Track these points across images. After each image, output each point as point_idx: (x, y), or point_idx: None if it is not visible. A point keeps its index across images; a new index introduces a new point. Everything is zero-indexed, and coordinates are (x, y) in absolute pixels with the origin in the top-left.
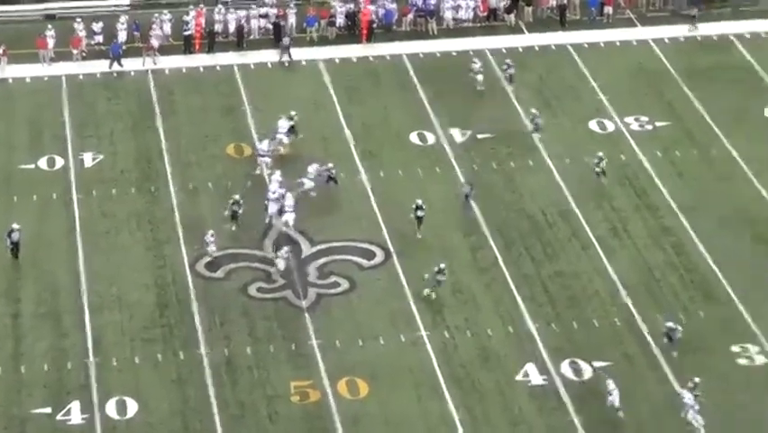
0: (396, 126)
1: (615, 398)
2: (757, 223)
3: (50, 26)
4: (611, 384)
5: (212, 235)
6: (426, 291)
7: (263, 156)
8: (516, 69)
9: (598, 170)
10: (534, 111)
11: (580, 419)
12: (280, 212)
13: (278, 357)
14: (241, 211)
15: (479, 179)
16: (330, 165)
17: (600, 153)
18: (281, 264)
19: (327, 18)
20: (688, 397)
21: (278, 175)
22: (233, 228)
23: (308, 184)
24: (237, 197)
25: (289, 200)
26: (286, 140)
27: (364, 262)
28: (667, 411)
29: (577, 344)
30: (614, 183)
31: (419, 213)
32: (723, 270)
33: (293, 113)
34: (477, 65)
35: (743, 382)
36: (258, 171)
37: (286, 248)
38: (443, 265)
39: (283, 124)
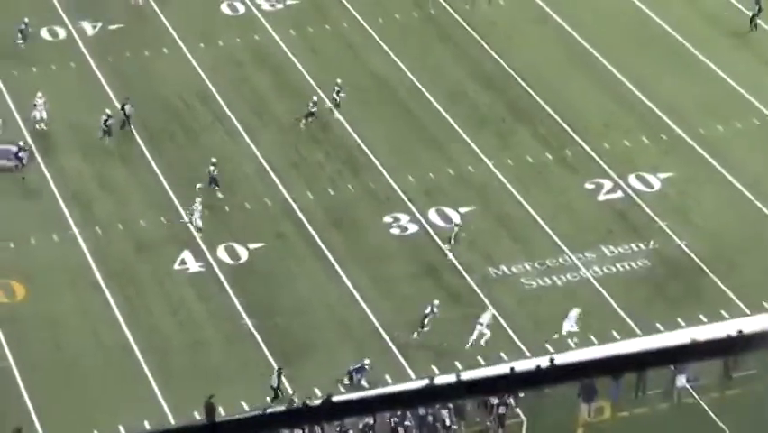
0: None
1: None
2: (396, 90)
3: None
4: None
5: None
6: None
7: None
8: None
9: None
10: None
11: (240, 301)
12: None
13: None
14: None
15: (114, 69)
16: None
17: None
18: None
19: None
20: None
21: None
22: None
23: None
24: None
25: None
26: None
27: (6, 163)
28: (325, 286)
29: (231, 227)
30: (251, 65)
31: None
32: (366, 141)
33: None
34: None
35: (396, 251)
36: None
37: None
38: (214, 158)
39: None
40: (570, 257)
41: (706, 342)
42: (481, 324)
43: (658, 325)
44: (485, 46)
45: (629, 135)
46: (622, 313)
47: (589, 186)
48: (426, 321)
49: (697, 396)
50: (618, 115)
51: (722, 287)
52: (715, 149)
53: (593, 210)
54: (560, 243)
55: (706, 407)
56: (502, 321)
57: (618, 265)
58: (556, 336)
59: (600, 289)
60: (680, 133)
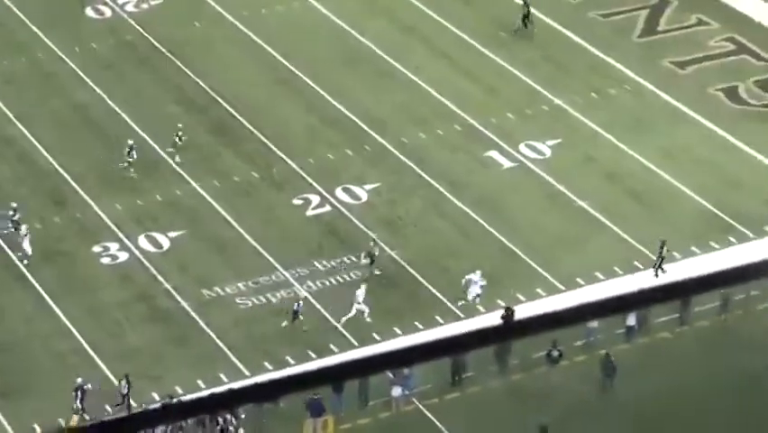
0: None
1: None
2: (98, 119)
3: None
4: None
5: None
6: None
7: None
8: None
9: None
10: None
11: None
12: None
13: None
14: None
15: None
16: None
17: None
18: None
19: None
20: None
21: None
22: None
23: None
24: None
25: None
26: None
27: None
28: (38, 321)
29: None
30: None
31: None
32: (70, 172)
33: None
34: None
35: (108, 279)
36: None
37: None
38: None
39: None
40: (282, 274)
41: (426, 344)
42: (359, 301)
43: (375, 335)
44: (183, 68)
45: (333, 149)
46: (338, 326)
47: (297, 202)
48: (298, 316)
49: (418, 402)
50: (321, 129)
51: (435, 292)
52: (419, 156)
53: (302, 226)
54: (272, 260)
55: (428, 413)
56: (219, 342)
57: (332, 279)
58: (462, 303)
59: (315, 303)
60: (383, 143)
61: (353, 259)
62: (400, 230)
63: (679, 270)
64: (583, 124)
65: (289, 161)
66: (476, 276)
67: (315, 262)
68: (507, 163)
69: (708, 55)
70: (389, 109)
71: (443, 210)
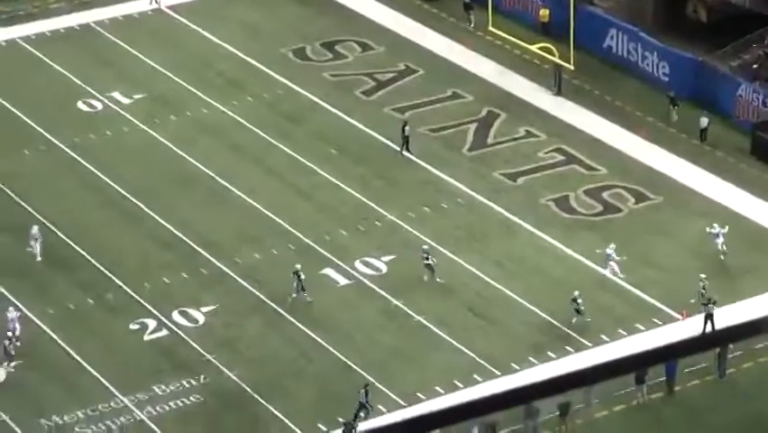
0: None
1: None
2: None
3: None
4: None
5: None
6: None
7: None
8: None
9: None
10: None
11: None
12: None
13: None
14: None
15: None
16: None
17: None
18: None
19: None
20: None
21: None
22: None
23: None
24: None
25: None
26: None
27: None
28: None
29: None
30: None
31: None
32: None
33: None
34: None
35: None
36: None
37: None
38: None
39: None
40: (121, 400)
41: None
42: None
43: None
44: (11, 195)
45: (168, 272)
46: None
47: (134, 327)
48: None
49: None
50: (155, 252)
51: (276, 413)
52: (254, 277)
53: (141, 350)
54: (110, 387)
55: None
56: None
57: (171, 403)
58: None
59: (155, 428)
60: (218, 265)
61: (192, 382)
62: (239, 351)
63: (519, 380)
64: (417, 237)
65: (124, 286)
66: (610, 249)
67: (155, 387)
68: (342, 281)
69: (539, 166)
70: (222, 230)
71: (281, 330)
